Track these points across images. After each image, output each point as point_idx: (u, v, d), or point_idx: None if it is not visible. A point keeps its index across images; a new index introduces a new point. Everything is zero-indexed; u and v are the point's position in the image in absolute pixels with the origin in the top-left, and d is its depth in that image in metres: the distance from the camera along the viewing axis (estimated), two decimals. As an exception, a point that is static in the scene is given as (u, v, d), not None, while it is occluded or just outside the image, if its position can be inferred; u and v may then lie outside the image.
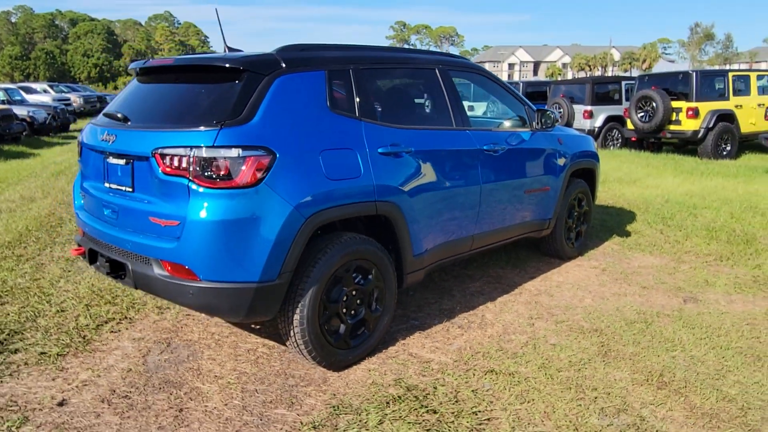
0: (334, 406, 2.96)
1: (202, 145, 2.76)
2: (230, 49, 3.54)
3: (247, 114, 2.86)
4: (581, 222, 5.54)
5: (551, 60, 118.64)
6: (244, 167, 2.76)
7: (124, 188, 3.18)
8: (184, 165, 2.79)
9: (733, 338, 3.73)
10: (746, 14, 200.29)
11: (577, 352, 3.54)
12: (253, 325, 3.93)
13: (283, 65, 3.08)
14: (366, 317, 3.40)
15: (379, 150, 3.35)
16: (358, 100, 3.35)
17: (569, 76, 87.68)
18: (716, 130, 12.02)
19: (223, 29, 3.96)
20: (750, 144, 13.97)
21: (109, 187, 3.29)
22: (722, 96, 12.37)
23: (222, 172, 2.75)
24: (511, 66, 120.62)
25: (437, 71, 4.00)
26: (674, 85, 12.38)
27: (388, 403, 2.98)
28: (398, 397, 3.03)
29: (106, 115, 3.43)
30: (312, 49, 3.35)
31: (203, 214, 2.76)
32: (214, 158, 2.75)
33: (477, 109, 11.03)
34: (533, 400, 3.01)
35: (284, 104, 3.00)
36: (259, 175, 2.79)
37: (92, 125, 3.50)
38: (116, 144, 3.12)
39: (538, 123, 4.69)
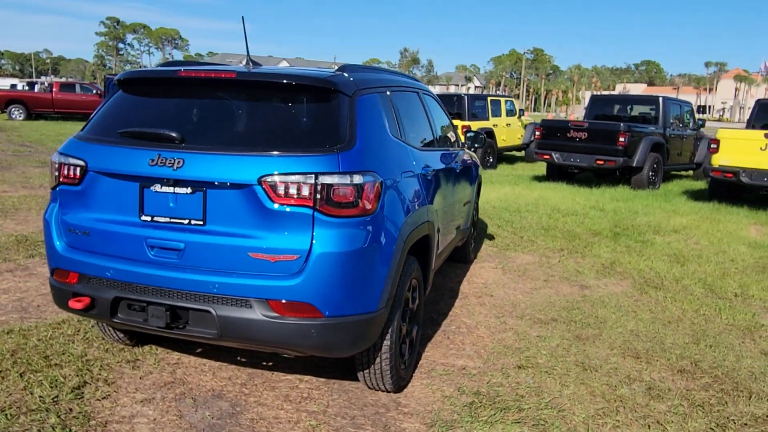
0: (431, 424, 3.03)
1: (329, 171, 2.57)
2: (253, 63, 3.20)
3: (350, 137, 2.75)
4: (474, 227, 6.32)
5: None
6: (365, 193, 2.66)
7: (186, 221, 2.70)
8: (305, 193, 2.56)
9: (641, 309, 4.86)
10: (443, 42, 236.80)
11: (560, 340, 4.20)
12: (265, 362, 3.62)
13: (357, 86, 3.01)
14: (413, 333, 3.50)
15: (422, 172, 3.49)
16: (396, 122, 3.43)
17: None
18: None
19: None
20: (502, 156, 17.14)
21: (154, 221, 2.74)
22: (484, 116, 14.87)
23: (348, 200, 2.61)
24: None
25: (419, 94, 4.25)
26: (450, 106, 14.40)
27: (474, 410, 3.17)
28: (476, 403, 3.24)
29: (131, 134, 2.81)
30: (362, 70, 3.31)
31: (332, 245, 2.58)
32: (342, 185, 2.59)
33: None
34: (569, 384, 3.54)
35: (368, 127, 2.95)
36: (376, 200, 2.73)
37: (111, 146, 2.82)
38: (186, 170, 2.63)
39: (466, 141, 5.28)
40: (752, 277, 6.01)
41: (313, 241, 2.57)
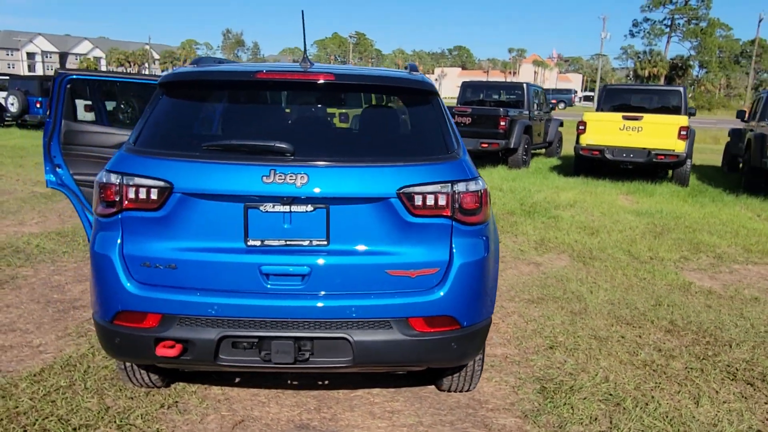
0: (523, 416, 3.14)
1: (461, 178, 2.49)
2: (309, 61, 2.91)
3: (457, 142, 2.69)
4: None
5: (80, 52, 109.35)
6: (485, 198, 2.64)
7: (306, 242, 2.42)
8: (442, 203, 2.45)
9: (598, 280, 5.42)
10: (270, 24, 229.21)
11: (561, 317, 4.54)
12: (320, 381, 3.39)
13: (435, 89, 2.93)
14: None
15: None
16: None
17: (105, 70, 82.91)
18: None
19: None
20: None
21: (265, 246, 2.41)
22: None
23: (475, 206, 2.56)
24: (31, 56, 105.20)
25: None
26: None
27: (548, 396, 3.34)
28: (545, 389, 3.42)
29: (227, 148, 2.42)
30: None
31: (469, 253, 2.51)
32: (471, 192, 2.53)
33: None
34: (599, 357, 3.88)
35: (457, 130, 2.90)
36: (489, 204, 2.71)
37: (206, 162, 2.38)
38: (311, 186, 2.35)
39: None
40: (653, 241, 7.00)
41: (453, 252, 2.48)
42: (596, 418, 3.12)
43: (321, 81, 2.57)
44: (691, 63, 75.81)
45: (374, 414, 3.09)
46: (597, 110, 12.21)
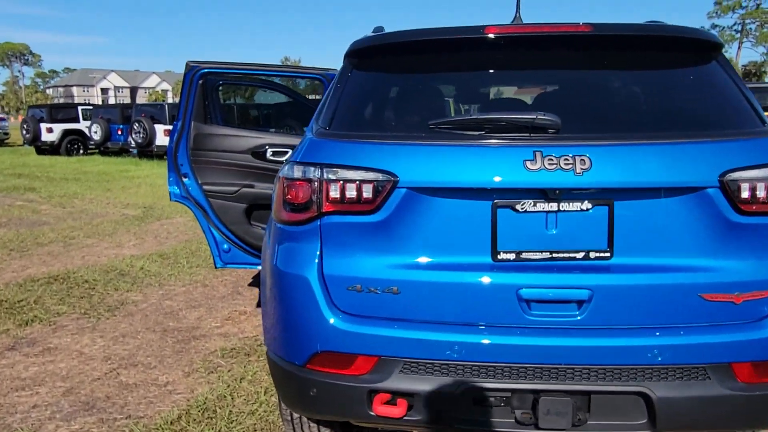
0: None
1: None
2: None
3: (762, 112, 1.92)
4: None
5: (148, 86, 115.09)
6: None
7: (579, 255, 1.72)
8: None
9: None
10: (322, 48, 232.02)
11: None
12: None
13: None
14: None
15: None
16: None
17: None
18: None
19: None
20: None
21: (522, 260, 1.73)
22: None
23: None
24: (104, 91, 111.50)
25: None
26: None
27: None
28: None
29: (463, 124, 1.76)
30: None
31: None
32: None
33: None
34: None
35: None
36: None
37: (443, 145, 1.74)
38: (595, 173, 1.65)
39: None
40: None
41: None
42: None
43: (576, 34, 1.88)
44: (766, 69, 71.52)
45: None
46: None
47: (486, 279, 1.73)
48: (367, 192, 1.75)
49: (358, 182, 1.76)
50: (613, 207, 1.71)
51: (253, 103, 4.92)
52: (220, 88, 4.11)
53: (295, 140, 3.66)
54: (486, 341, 1.70)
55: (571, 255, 1.73)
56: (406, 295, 1.75)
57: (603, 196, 1.70)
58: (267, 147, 3.61)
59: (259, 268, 4.08)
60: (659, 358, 1.67)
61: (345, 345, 1.77)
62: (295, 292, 1.83)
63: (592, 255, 1.72)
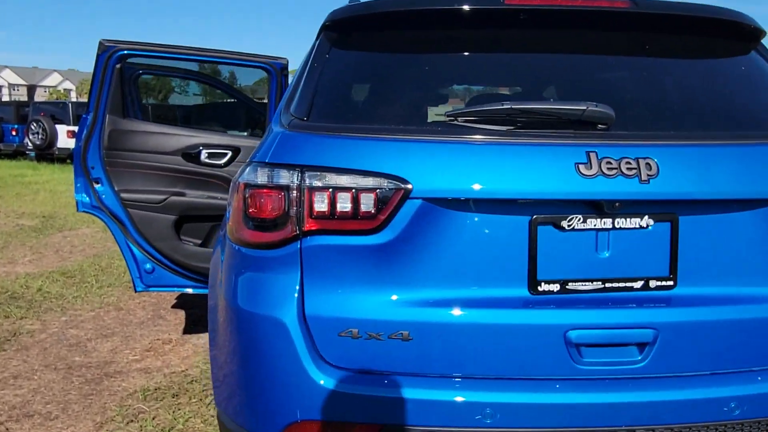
0: None
1: None
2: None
3: None
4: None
5: (49, 84, 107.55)
6: None
7: (637, 284, 1.37)
8: None
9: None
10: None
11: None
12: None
13: None
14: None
15: None
16: None
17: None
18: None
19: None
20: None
21: (567, 292, 1.35)
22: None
23: None
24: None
25: None
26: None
27: None
28: None
29: (484, 116, 1.36)
30: None
31: None
32: None
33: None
34: None
35: None
36: None
37: (475, 145, 1.32)
38: (661, 181, 1.30)
39: None
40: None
41: None
42: None
43: (614, 10, 1.53)
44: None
45: None
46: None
47: (523, 318, 1.33)
48: (367, 204, 1.31)
49: (354, 191, 1.31)
50: (677, 223, 1.37)
51: (184, 95, 4.35)
52: (141, 77, 3.50)
53: (236, 141, 3.13)
54: (527, 401, 1.30)
55: (628, 285, 1.37)
56: (420, 341, 1.32)
57: (667, 209, 1.36)
58: (201, 148, 3.05)
59: (189, 291, 3.52)
60: (736, 412, 1.34)
61: (335, 411, 1.32)
62: (263, 339, 1.36)
63: (653, 284, 1.38)
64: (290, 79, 3.34)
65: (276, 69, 3.11)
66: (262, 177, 1.39)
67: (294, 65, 2.71)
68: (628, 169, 1.31)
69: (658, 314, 1.37)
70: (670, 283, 1.40)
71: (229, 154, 3.13)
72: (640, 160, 1.32)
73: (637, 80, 1.63)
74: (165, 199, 3.14)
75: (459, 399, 1.30)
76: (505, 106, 1.35)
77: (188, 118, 4.14)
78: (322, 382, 1.32)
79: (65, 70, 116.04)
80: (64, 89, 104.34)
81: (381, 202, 1.31)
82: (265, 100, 3.43)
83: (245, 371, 1.40)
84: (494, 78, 1.71)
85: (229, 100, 4.04)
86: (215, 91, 4.17)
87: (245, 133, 3.78)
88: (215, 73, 4.24)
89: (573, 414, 1.31)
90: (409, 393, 1.31)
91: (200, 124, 4.03)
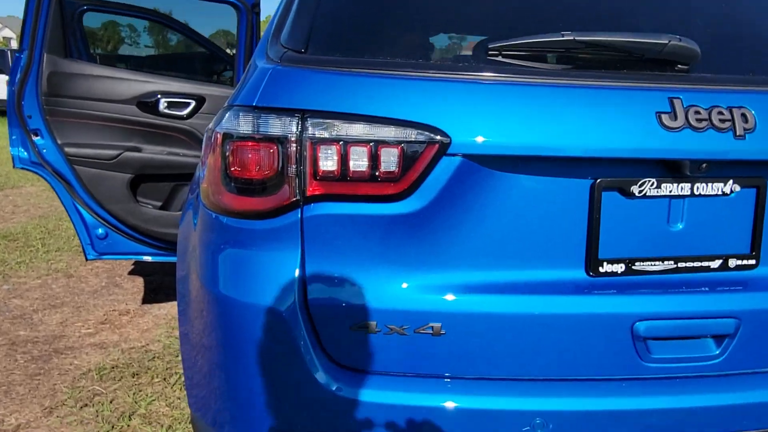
0: None
1: None
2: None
3: None
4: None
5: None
6: None
7: (717, 262, 1.14)
8: None
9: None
10: None
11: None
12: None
13: None
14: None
15: None
16: None
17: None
18: None
19: None
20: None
21: (632, 272, 1.10)
22: None
23: None
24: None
25: None
26: None
27: None
28: None
29: (535, 48, 1.07)
30: None
31: None
32: None
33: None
34: None
35: None
36: None
37: (523, 86, 1.02)
38: (758, 136, 1.05)
39: None
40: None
41: None
42: None
43: None
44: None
45: None
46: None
47: (581, 307, 1.08)
48: (390, 161, 1.02)
49: (372, 144, 1.01)
50: (765, 189, 1.12)
51: (138, 34, 3.89)
52: (86, 13, 3.04)
53: (201, 88, 2.75)
54: (586, 408, 1.06)
55: (704, 264, 1.13)
56: (455, 336, 1.05)
57: (755, 172, 1.12)
58: (159, 96, 2.66)
59: (148, 258, 3.18)
60: None
61: (347, 422, 1.05)
62: (253, 335, 1.06)
63: (732, 263, 1.14)
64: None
65: (246, 6, 2.72)
66: (246, 125, 1.07)
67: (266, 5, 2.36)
68: (720, 121, 1.05)
69: (740, 300, 1.15)
70: (752, 261, 1.17)
71: (192, 104, 2.75)
72: (734, 110, 1.07)
73: (725, 10, 1.36)
74: (118, 155, 2.76)
75: (503, 407, 1.06)
76: (566, 38, 1.07)
77: (143, 61, 3.70)
78: (328, 385, 1.05)
79: (4, 16, 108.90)
80: (4, 37, 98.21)
81: (408, 160, 1.02)
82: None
83: (229, 375, 1.11)
84: (549, 3, 1.40)
85: (193, 47, 3.63)
86: (175, 34, 3.74)
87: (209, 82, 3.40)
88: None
89: (641, 422, 1.09)
90: (441, 399, 1.06)
91: (157, 69, 3.60)
